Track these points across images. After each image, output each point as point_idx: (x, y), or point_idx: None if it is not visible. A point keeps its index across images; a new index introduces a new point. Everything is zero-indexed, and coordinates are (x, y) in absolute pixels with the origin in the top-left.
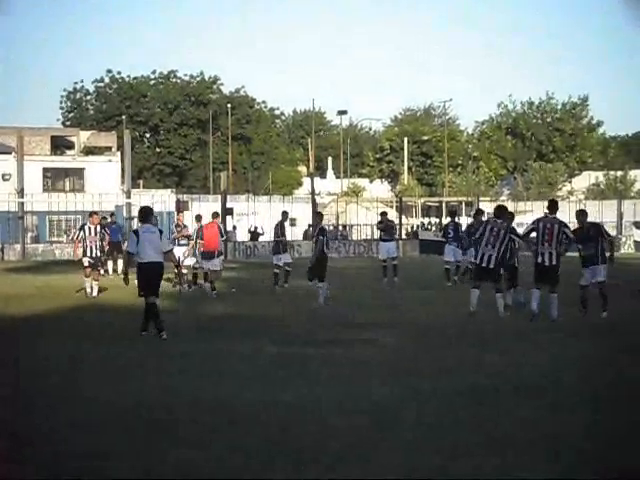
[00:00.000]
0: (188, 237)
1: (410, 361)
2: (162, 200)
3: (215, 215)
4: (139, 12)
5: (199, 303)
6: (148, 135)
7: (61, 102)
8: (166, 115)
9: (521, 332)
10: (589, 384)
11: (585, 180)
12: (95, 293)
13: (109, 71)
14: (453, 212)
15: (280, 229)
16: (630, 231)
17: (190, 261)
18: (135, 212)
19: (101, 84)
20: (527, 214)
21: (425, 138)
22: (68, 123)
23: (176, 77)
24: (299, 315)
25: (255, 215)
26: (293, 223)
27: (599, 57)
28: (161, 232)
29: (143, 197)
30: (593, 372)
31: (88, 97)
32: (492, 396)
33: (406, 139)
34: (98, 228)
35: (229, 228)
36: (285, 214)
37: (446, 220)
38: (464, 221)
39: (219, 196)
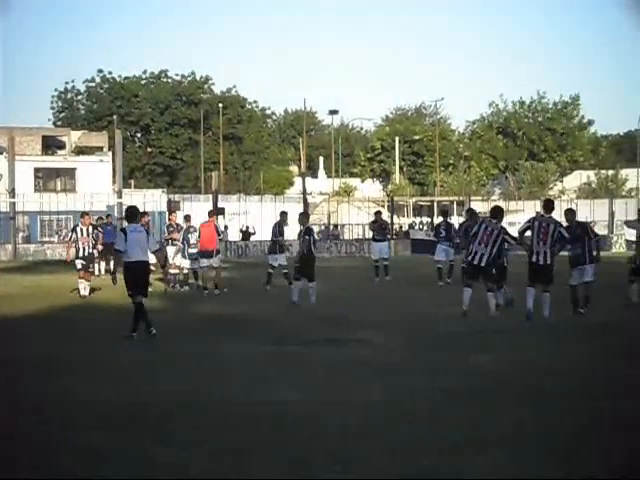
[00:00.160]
0: (172, 239)
1: (402, 361)
2: (153, 200)
3: (211, 213)
4: (130, 12)
5: (190, 303)
6: (139, 135)
7: (52, 102)
8: (157, 115)
9: (513, 331)
10: (582, 384)
11: (576, 179)
12: (87, 293)
13: (100, 71)
14: (445, 212)
15: (278, 229)
16: (621, 230)
17: (179, 261)
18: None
19: (92, 84)
20: (518, 213)
21: (416, 137)
22: (59, 123)
23: (167, 77)
24: (291, 315)
25: (247, 215)
26: (285, 223)
27: (590, 56)
28: (147, 232)
29: (134, 197)
30: (585, 372)
31: (79, 97)
32: (485, 396)
33: (397, 139)
34: (90, 229)
35: (221, 228)
36: (284, 214)
37: (437, 220)
38: (455, 220)
39: (210, 196)
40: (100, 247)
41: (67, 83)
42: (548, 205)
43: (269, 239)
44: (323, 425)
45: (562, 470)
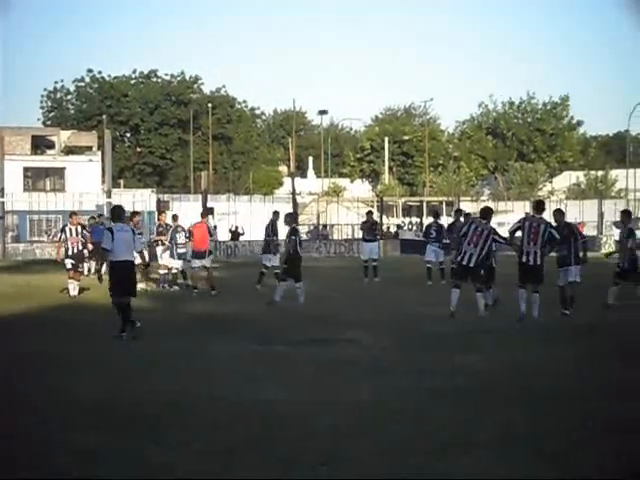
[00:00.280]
0: (161, 241)
1: (391, 360)
2: (143, 200)
3: (204, 214)
4: (120, 11)
5: (179, 302)
6: (129, 135)
7: (41, 102)
8: (147, 115)
9: (502, 332)
10: (570, 385)
11: (566, 180)
12: (76, 292)
13: (90, 70)
14: (436, 212)
15: (271, 229)
16: (610, 231)
17: (168, 261)
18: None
19: (82, 84)
20: (508, 214)
21: (406, 138)
22: (49, 123)
23: (157, 77)
24: (280, 315)
25: (236, 215)
26: (278, 222)
27: (580, 57)
28: (134, 232)
29: (124, 197)
30: (574, 373)
31: (69, 97)
32: (472, 396)
33: (387, 139)
34: (79, 228)
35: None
36: (276, 214)
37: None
38: (445, 221)
39: (200, 196)
40: (90, 246)
41: (56, 83)
42: (539, 206)
43: (262, 239)
44: (311, 425)
45: (555, 470)
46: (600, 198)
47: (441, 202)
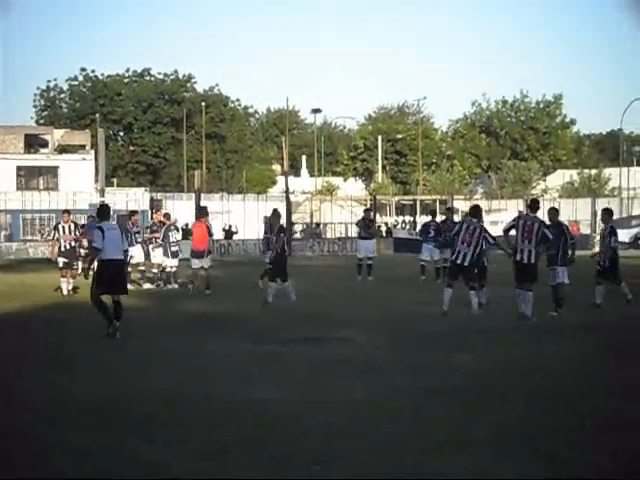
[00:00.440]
0: (155, 239)
1: (385, 359)
2: (136, 198)
3: (203, 213)
4: (113, 10)
5: (173, 301)
6: (122, 133)
7: (35, 100)
8: (140, 113)
9: (496, 330)
10: (564, 384)
11: (559, 178)
12: (70, 288)
13: (83, 69)
14: (434, 211)
15: (270, 226)
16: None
17: (161, 259)
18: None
19: (75, 82)
20: (501, 212)
21: (399, 136)
22: (42, 121)
23: (150, 75)
24: (274, 314)
25: (229, 214)
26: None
27: (573, 56)
28: (121, 230)
29: (117, 195)
30: (570, 371)
31: (62, 95)
32: (466, 395)
33: (380, 137)
34: (72, 226)
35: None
36: (275, 211)
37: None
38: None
39: (193, 194)
40: (86, 244)
41: (50, 81)
42: (533, 205)
43: (256, 238)
44: (305, 423)
45: (551, 470)
46: (593, 196)
47: (434, 201)
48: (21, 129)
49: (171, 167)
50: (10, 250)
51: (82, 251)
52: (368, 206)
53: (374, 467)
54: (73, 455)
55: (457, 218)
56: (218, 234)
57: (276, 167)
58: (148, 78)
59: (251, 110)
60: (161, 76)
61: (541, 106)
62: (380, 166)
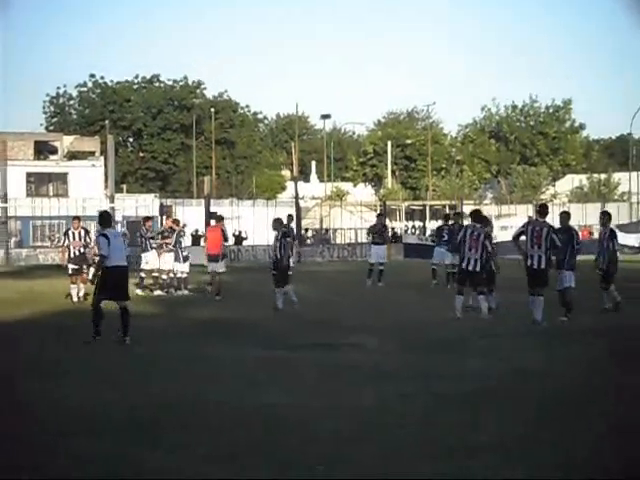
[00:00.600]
0: (166, 244)
1: (394, 365)
2: (145, 205)
3: (219, 219)
4: (122, 17)
5: (184, 307)
6: (131, 140)
7: (44, 107)
8: (149, 119)
9: (505, 336)
10: (573, 388)
11: (568, 183)
12: (82, 294)
13: (92, 76)
14: (447, 215)
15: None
16: None
17: (173, 265)
18: (119, 217)
19: (84, 89)
20: (511, 217)
21: (409, 142)
22: (51, 128)
23: (159, 81)
24: (283, 319)
25: (239, 219)
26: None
27: (583, 60)
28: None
29: (127, 202)
30: (579, 376)
31: (71, 102)
32: (476, 400)
33: (390, 143)
34: (82, 232)
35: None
36: (290, 217)
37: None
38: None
39: (203, 200)
40: (95, 250)
41: (59, 88)
42: (542, 210)
43: (266, 243)
44: (314, 429)
45: (560, 471)
46: (603, 201)
47: (444, 206)
48: (31, 136)
49: (181, 173)
50: (20, 256)
51: (94, 257)
52: (380, 211)
53: (384, 473)
54: (79, 460)
55: (466, 223)
56: (228, 240)
57: (286, 173)
58: (157, 84)
59: (260, 116)
60: (170, 82)
61: (550, 111)
62: (390, 171)
